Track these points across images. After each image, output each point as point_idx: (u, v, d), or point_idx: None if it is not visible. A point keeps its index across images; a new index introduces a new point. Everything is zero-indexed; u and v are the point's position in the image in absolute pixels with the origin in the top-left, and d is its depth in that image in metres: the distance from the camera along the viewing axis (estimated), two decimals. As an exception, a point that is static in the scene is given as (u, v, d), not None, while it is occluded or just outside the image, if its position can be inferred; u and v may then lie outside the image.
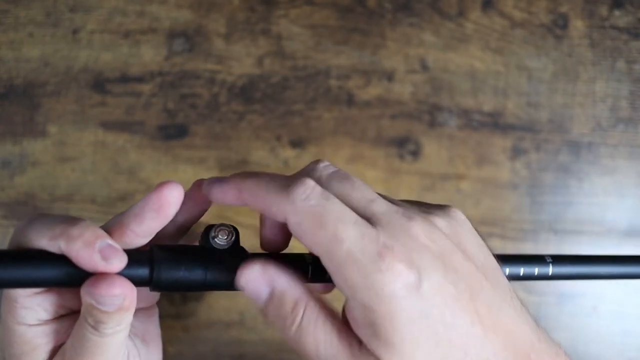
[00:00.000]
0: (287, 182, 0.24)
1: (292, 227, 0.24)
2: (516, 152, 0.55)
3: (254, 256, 0.27)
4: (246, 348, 0.53)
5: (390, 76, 0.54)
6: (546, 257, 0.30)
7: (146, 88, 0.53)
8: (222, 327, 0.53)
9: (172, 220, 0.26)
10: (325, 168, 0.26)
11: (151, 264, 0.25)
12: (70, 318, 0.27)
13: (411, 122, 0.54)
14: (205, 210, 0.28)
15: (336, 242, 0.23)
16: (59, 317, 0.27)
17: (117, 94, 0.53)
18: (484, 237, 0.27)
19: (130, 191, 0.52)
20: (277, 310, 0.24)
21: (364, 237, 0.23)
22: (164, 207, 0.25)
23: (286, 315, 0.24)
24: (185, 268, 0.25)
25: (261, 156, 0.53)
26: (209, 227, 0.27)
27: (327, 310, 0.24)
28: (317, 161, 0.27)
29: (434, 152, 0.54)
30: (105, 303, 0.23)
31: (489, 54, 0.55)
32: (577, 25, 0.56)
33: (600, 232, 0.55)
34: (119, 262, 0.24)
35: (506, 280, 0.26)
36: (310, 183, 0.24)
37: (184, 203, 0.26)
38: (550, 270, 0.29)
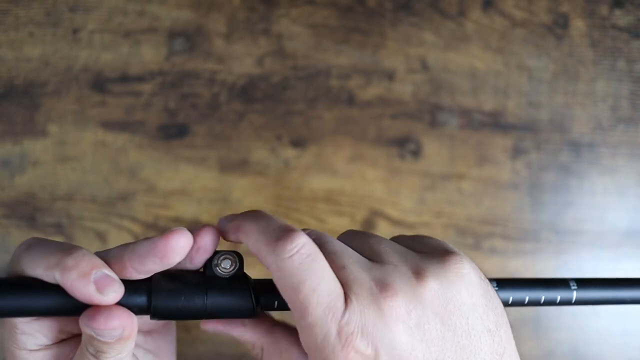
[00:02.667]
0: (281, 233, 0.24)
1: (273, 278, 0.24)
2: (517, 152, 0.55)
3: (256, 283, 0.26)
4: (247, 348, 0.53)
5: (390, 76, 0.54)
6: (570, 282, 0.28)
7: (146, 88, 0.53)
8: (222, 327, 0.53)
9: (176, 265, 0.26)
10: (308, 234, 0.26)
11: (149, 293, 0.24)
12: (71, 342, 0.27)
13: (412, 122, 0.54)
14: (209, 256, 0.27)
15: (303, 310, 0.23)
16: (60, 342, 0.27)
17: (118, 93, 0.53)
18: (488, 288, 0.25)
19: (131, 191, 0.52)
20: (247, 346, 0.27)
21: (330, 312, 0.23)
22: (169, 255, 0.24)
23: (252, 353, 0.27)
24: (185, 297, 0.25)
25: (262, 156, 0.53)
26: (213, 254, 0.26)
27: (288, 342, 0.26)
28: (304, 230, 0.27)
29: (435, 151, 0.54)
30: (104, 335, 0.23)
31: (490, 54, 0.55)
32: (578, 24, 0.56)
33: (601, 232, 0.55)
34: (115, 293, 0.23)
35: (502, 344, 0.24)
36: (300, 240, 0.24)
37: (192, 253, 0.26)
38: (575, 295, 0.27)
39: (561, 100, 0.55)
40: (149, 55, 0.53)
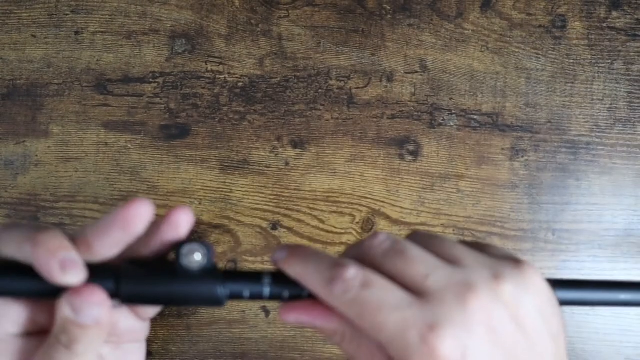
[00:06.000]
0: (331, 272, 0.25)
1: (341, 314, 0.25)
2: (515, 152, 0.55)
3: (225, 275, 0.27)
4: (248, 346, 0.53)
5: (390, 77, 0.55)
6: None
7: (148, 88, 0.53)
8: (223, 325, 0.53)
9: (147, 246, 0.26)
10: (380, 245, 0.26)
11: (118, 279, 0.25)
12: (37, 339, 0.26)
13: (411, 122, 0.55)
14: (181, 236, 0.27)
15: (377, 331, 0.24)
16: (26, 336, 0.26)
17: (119, 94, 0.53)
18: (552, 296, 0.26)
19: (133, 191, 0.53)
20: (327, 337, 0.27)
21: (406, 321, 0.23)
22: (131, 223, 0.24)
23: (332, 340, 0.27)
24: (154, 283, 0.25)
25: (262, 156, 0.54)
26: (181, 245, 0.26)
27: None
28: (376, 235, 0.27)
29: (434, 152, 0.55)
30: (84, 314, 0.24)
31: (488, 55, 0.55)
32: (576, 26, 0.56)
33: (599, 232, 0.55)
34: (76, 276, 0.24)
35: (562, 349, 0.26)
36: (349, 275, 0.24)
37: (159, 227, 0.26)
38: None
39: (559, 101, 0.56)
40: (151, 56, 0.53)
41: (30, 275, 0.24)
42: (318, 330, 0.27)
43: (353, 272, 0.25)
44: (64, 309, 0.24)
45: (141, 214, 0.24)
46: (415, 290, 0.24)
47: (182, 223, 0.26)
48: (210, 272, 0.26)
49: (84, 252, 0.25)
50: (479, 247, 0.28)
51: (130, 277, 0.25)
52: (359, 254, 0.26)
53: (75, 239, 0.25)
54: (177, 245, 0.26)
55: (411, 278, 0.25)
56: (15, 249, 0.24)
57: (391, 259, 0.25)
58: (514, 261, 0.26)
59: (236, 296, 0.26)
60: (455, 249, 0.26)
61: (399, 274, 0.25)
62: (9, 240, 0.24)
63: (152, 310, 0.29)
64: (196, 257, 0.26)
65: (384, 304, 0.24)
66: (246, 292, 0.27)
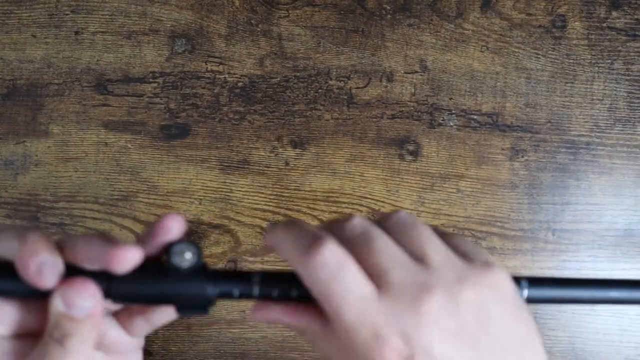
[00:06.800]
0: (310, 243, 0.25)
1: (306, 285, 0.25)
2: (515, 152, 0.55)
3: (215, 274, 0.27)
4: (248, 346, 0.53)
5: (389, 77, 0.55)
6: (522, 280, 0.29)
7: (148, 88, 0.53)
8: (223, 325, 0.53)
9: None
10: (353, 228, 0.26)
11: (109, 277, 0.25)
12: (27, 341, 0.26)
13: (411, 122, 0.55)
14: (173, 239, 0.27)
15: (337, 315, 0.24)
16: (15, 338, 0.26)
17: (120, 94, 0.53)
18: (520, 302, 0.26)
19: (133, 191, 0.53)
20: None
21: (365, 315, 0.24)
22: (115, 265, 0.25)
23: (304, 338, 0.27)
24: (143, 283, 0.26)
25: (262, 156, 0.54)
26: (171, 246, 0.27)
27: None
28: (352, 218, 0.27)
29: (434, 152, 0.55)
30: (76, 305, 0.24)
31: (488, 55, 0.55)
32: (576, 26, 0.56)
33: (598, 232, 0.55)
34: (50, 280, 0.24)
35: (528, 353, 0.25)
36: (326, 252, 0.24)
37: (152, 233, 0.27)
38: (525, 293, 0.28)
39: (559, 101, 0.56)
40: (151, 56, 0.53)
41: (14, 275, 0.24)
42: (290, 328, 0.27)
43: (330, 252, 0.25)
44: (57, 302, 0.24)
45: (129, 259, 0.25)
46: (376, 282, 0.24)
47: (173, 228, 0.26)
48: (200, 271, 0.26)
49: (69, 258, 0.25)
50: (454, 240, 0.27)
51: (121, 276, 0.25)
52: (334, 233, 0.26)
53: (64, 246, 0.25)
54: (168, 246, 0.27)
55: (373, 269, 0.25)
56: (5, 246, 0.25)
57: (359, 246, 0.25)
58: (482, 264, 0.26)
59: (226, 295, 0.27)
60: (427, 246, 0.26)
61: (363, 262, 0.25)
62: (2, 238, 0.25)
63: (143, 328, 0.29)
64: (187, 256, 0.26)
65: (350, 291, 0.24)
66: (236, 291, 0.27)
